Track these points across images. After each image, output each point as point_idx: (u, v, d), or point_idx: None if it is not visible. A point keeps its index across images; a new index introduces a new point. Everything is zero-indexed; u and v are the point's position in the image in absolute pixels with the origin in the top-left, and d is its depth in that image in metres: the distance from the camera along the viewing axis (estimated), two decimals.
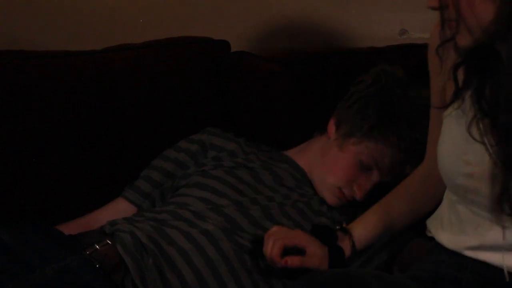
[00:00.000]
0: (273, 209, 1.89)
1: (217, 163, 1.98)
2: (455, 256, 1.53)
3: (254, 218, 1.86)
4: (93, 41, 2.33)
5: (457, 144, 1.47)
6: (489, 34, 1.34)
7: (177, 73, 2.22)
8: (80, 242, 1.79)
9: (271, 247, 1.74)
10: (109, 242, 1.75)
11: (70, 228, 1.90)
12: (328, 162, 1.97)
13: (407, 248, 1.88)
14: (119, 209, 2.00)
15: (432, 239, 1.60)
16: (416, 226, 1.75)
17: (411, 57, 2.11)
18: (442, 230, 1.56)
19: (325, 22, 2.37)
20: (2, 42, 2.33)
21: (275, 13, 2.38)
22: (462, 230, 1.51)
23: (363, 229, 1.80)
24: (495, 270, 1.48)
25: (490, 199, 1.42)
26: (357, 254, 1.79)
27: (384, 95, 1.96)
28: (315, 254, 1.75)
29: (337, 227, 1.80)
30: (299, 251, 1.75)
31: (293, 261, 1.73)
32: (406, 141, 1.91)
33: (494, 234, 1.46)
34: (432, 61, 1.62)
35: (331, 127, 2.00)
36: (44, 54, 2.23)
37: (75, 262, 1.68)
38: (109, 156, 2.15)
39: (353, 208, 1.97)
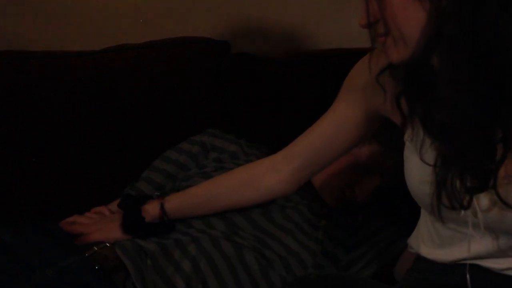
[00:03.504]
0: (274, 211, 1.89)
1: (218, 165, 1.98)
2: (440, 264, 1.53)
3: (255, 220, 1.86)
4: (93, 41, 2.33)
5: (420, 167, 1.46)
6: (421, 46, 1.30)
7: (177, 73, 2.22)
8: None
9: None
10: (108, 244, 1.75)
11: None
12: (330, 165, 1.97)
13: (404, 254, 1.88)
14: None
15: None
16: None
17: None
18: (424, 246, 1.57)
19: (325, 22, 2.37)
20: (2, 42, 2.33)
21: (275, 13, 2.38)
22: (444, 245, 1.52)
23: (177, 197, 1.84)
24: (484, 271, 1.48)
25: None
26: (167, 218, 1.83)
27: None
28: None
29: (157, 193, 1.87)
30: None
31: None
32: None
33: (475, 247, 1.46)
34: (355, 79, 1.62)
35: None
36: (44, 54, 2.23)
37: (75, 263, 1.68)
38: (109, 156, 2.16)
39: (355, 211, 1.97)
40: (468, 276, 1.46)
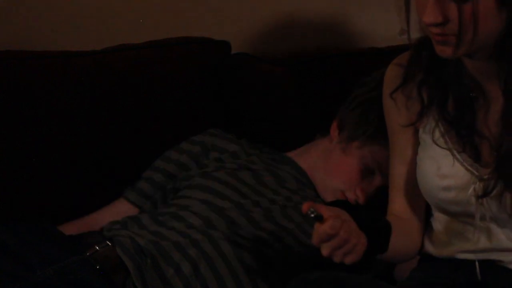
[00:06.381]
0: (274, 211, 1.89)
1: (219, 165, 1.98)
2: (446, 261, 1.54)
3: (255, 220, 1.86)
4: (93, 41, 2.33)
5: (431, 162, 1.50)
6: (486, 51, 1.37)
7: (177, 73, 2.22)
8: (81, 243, 1.79)
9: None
10: (109, 243, 1.75)
11: (70, 229, 1.91)
12: (331, 165, 1.97)
13: None
14: (120, 210, 2.00)
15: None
16: None
17: None
18: (431, 243, 1.58)
19: (325, 22, 2.37)
20: (2, 42, 2.33)
21: (275, 13, 2.38)
22: (452, 241, 1.53)
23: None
24: (493, 267, 1.49)
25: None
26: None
27: None
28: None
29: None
30: None
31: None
32: None
33: (484, 240, 1.49)
34: (388, 104, 1.62)
35: (334, 130, 1.99)
36: (44, 54, 2.23)
37: (75, 263, 1.68)
38: (109, 156, 2.15)
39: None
40: (477, 268, 1.47)
